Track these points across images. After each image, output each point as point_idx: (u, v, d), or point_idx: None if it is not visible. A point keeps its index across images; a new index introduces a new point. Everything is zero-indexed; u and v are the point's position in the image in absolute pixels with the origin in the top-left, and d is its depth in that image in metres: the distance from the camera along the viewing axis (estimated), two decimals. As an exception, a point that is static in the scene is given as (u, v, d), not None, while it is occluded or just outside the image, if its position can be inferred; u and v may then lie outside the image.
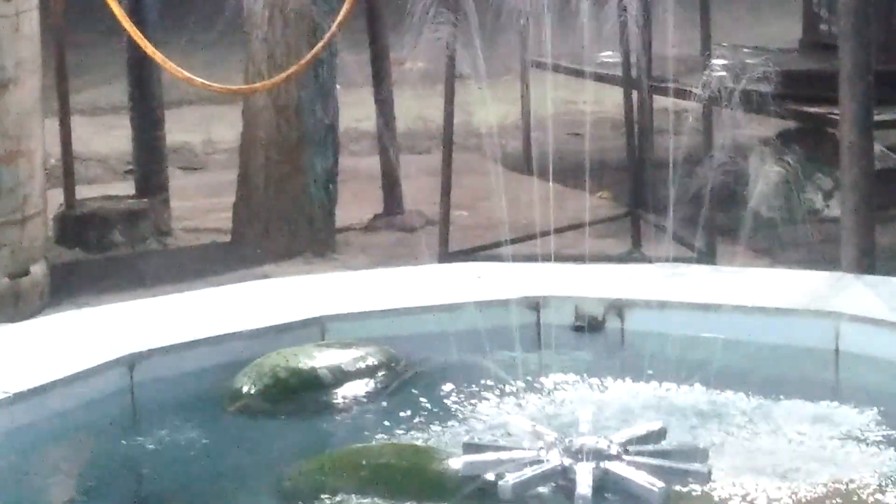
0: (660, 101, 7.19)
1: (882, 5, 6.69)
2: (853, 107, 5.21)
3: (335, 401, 4.01)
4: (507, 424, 3.73)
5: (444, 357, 4.11)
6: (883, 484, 3.53)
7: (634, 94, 6.96)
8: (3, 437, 3.71)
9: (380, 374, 4.09)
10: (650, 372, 4.06)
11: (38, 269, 6.11)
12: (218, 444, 3.93)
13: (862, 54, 5.21)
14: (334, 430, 3.89)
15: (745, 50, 8.07)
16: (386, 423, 3.88)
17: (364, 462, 3.58)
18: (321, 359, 4.10)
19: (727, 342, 4.22)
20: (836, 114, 5.40)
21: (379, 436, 3.80)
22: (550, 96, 7.61)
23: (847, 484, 3.51)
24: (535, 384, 4.02)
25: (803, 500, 3.43)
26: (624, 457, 3.50)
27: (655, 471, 3.46)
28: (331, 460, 3.64)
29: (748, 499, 3.44)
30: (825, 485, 3.50)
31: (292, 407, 4.00)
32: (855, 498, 3.45)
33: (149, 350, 4.08)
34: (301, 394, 4.02)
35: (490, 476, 3.46)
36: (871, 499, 3.45)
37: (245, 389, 4.00)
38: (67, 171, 6.97)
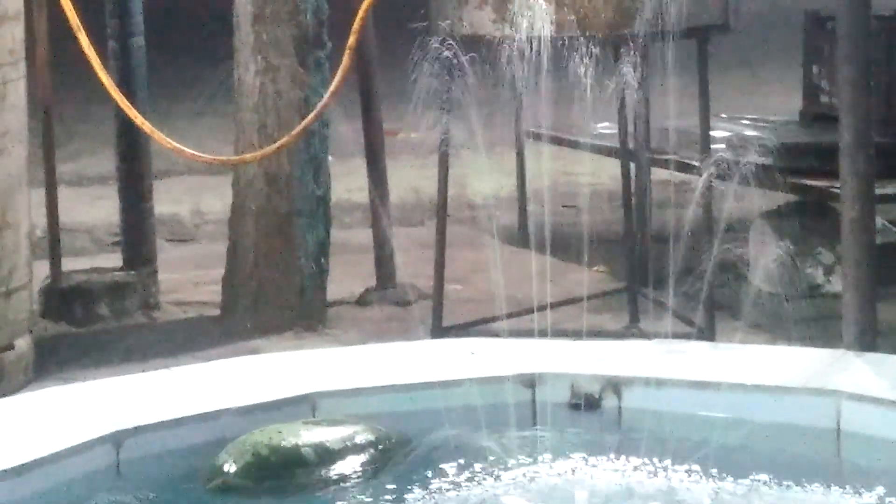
0: (658, 174, 7.21)
1: (882, 78, 6.70)
2: (854, 180, 5.22)
3: (318, 480, 4.01)
4: (501, 505, 3.74)
5: (436, 435, 4.10)
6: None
7: (632, 167, 6.97)
8: (-14, 517, 3.72)
9: (368, 453, 4.09)
10: (648, 452, 4.05)
11: (23, 343, 6.10)
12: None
13: (862, 127, 5.22)
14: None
15: (745, 121, 8.09)
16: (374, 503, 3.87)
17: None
18: (306, 437, 4.10)
19: (726, 421, 4.22)
20: (836, 187, 5.40)
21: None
22: (546, 168, 7.63)
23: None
24: (530, 464, 4.01)
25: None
26: (624, 540, 3.51)
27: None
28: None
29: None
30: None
31: (273, 485, 3.99)
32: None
33: (135, 427, 4.08)
34: (282, 472, 4.02)
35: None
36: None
37: (225, 468, 4.01)
38: (53, 243, 6.97)
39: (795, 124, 7.78)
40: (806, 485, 3.93)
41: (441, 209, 6.40)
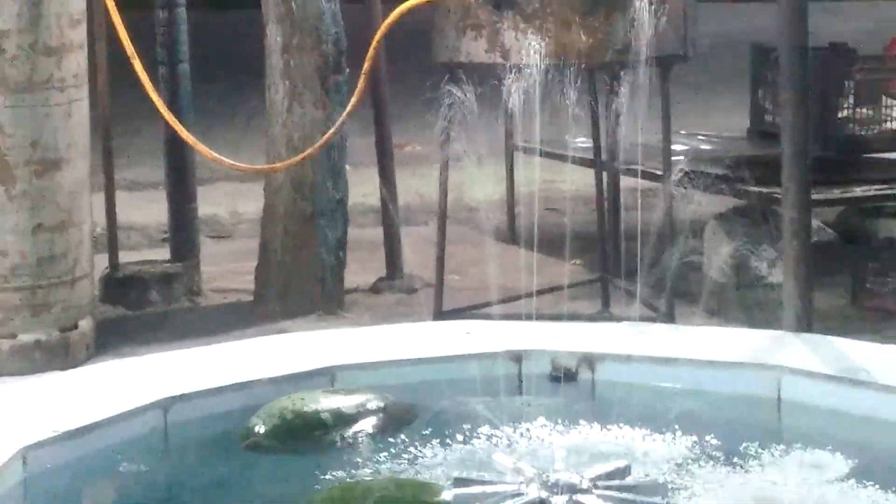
0: (627, 182, 7.21)
1: (817, 100, 6.71)
2: (793, 187, 5.22)
3: (335, 440, 4.00)
4: (492, 461, 3.72)
5: (437, 403, 4.11)
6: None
7: (605, 175, 6.97)
8: (55, 470, 3.71)
9: (378, 417, 4.08)
10: (617, 417, 4.06)
11: (86, 324, 6.11)
12: (231, 476, 3.93)
13: (800, 142, 5.23)
14: (332, 465, 3.83)
15: (701, 137, 8.10)
16: (384, 460, 3.86)
17: (368, 494, 3.57)
18: (325, 403, 4.09)
19: (684, 392, 4.22)
20: (778, 194, 5.41)
21: (376, 472, 3.79)
22: (532, 176, 7.63)
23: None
24: (517, 427, 4.02)
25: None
26: (594, 491, 3.50)
27: (621, 503, 3.46)
28: (339, 492, 3.63)
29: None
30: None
31: (296, 445, 3.99)
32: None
33: (181, 395, 4.09)
34: (305, 433, 4.01)
35: (478, 506, 3.46)
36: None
37: (257, 429, 4.00)
38: (111, 239, 6.98)
39: (743, 140, 7.79)
40: (752, 445, 3.93)
41: (442, 211, 6.41)
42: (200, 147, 6.31)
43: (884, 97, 7.23)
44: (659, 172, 6.72)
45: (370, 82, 6.52)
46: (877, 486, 3.66)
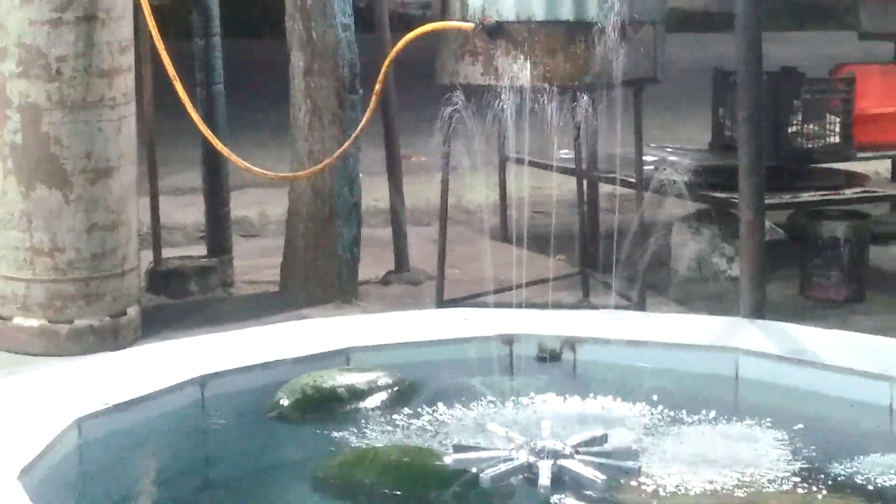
0: (604, 188, 7.23)
1: (770, 117, 6.71)
2: (749, 193, 5.22)
3: (349, 412, 4.00)
4: (486, 430, 3.74)
5: (439, 379, 4.12)
6: (769, 475, 3.54)
7: (585, 183, 6.98)
8: (106, 438, 3.72)
9: (387, 392, 4.09)
10: (595, 392, 4.07)
11: (133, 311, 6.12)
12: (259, 442, 3.94)
13: (755, 153, 5.23)
14: (346, 433, 3.84)
15: (669, 149, 8.10)
16: (392, 429, 3.88)
17: (378, 459, 3.58)
18: (341, 380, 4.10)
19: (653, 370, 4.23)
20: (736, 199, 5.42)
21: (385, 439, 3.80)
22: (522, 183, 7.64)
23: (741, 475, 3.53)
24: (509, 400, 4.02)
25: (707, 488, 3.44)
26: (575, 456, 3.51)
27: (599, 467, 3.47)
28: (353, 457, 3.64)
29: (666, 487, 3.44)
30: (723, 475, 3.52)
31: (316, 416, 3.99)
32: (745, 486, 3.46)
33: (216, 372, 4.10)
34: (322, 406, 4.02)
35: (474, 470, 3.46)
36: (757, 486, 3.46)
37: (281, 402, 4.01)
38: (155, 237, 6.99)
39: (706, 151, 7.79)
40: (712, 415, 3.95)
41: (443, 213, 6.40)
42: (233, 157, 6.32)
43: (828, 115, 7.23)
44: (632, 180, 6.73)
45: (380, 102, 6.52)
46: (805, 447, 3.69)
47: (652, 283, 6.22)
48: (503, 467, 3.46)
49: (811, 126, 7.19)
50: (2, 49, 5.82)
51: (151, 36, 6.15)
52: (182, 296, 6.83)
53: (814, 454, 3.67)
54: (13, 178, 5.87)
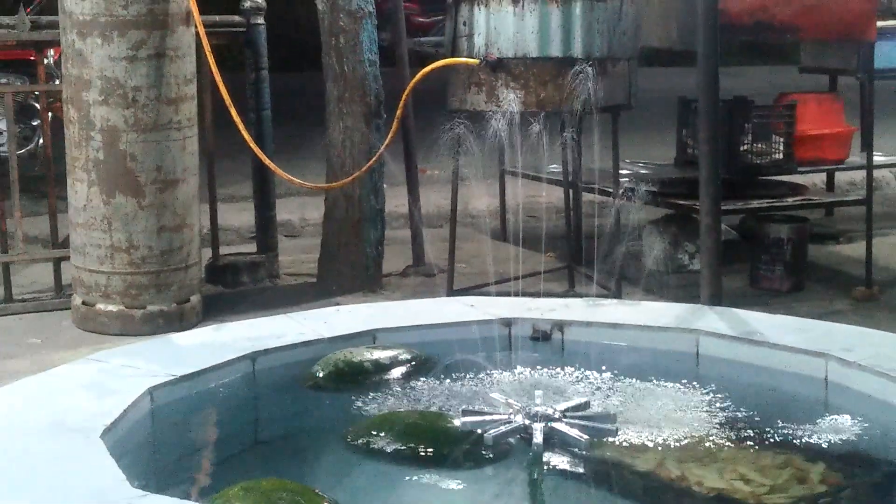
0: (587, 196, 7.23)
1: (725, 138, 6.71)
2: (707, 201, 5.23)
3: (374, 382, 3.98)
4: (489, 398, 3.74)
5: (449, 356, 4.11)
6: (724, 435, 3.53)
7: (570, 192, 6.98)
8: (172, 405, 3.72)
9: (407, 366, 4.08)
10: (580, 366, 4.06)
11: (195, 299, 6.14)
12: (299, 407, 3.94)
13: (713, 167, 5.24)
14: (372, 401, 3.83)
15: (640, 164, 8.10)
16: (411, 397, 3.87)
17: (399, 421, 3.58)
18: (368, 356, 4.09)
19: (628, 348, 4.22)
20: (697, 205, 5.42)
21: (405, 405, 3.80)
22: (518, 192, 7.65)
23: (702, 434, 3.52)
24: (508, 373, 4.02)
25: (672, 445, 3.43)
26: (563, 419, 3.51)
27: (583, 428, 3.46)
28: (378, 420, 3.64)
29: (638, 445, 3.44)
30: (686, 435, 3.51)
31: (347, 386, 3.98)
32: (704, 443, 3.46)
33: (264, 349, 4.09)
34: (352, 377, 4.01)
35: (479, 431, 3.46)
36: (714, 443, 3.45)
37: (317, 374, 4.01)
38: (213, 237, 7.01)
39: (672, 166, 7.79)
40: (677, 386, 3.94)
41: (452, 217, 6.42)
42: (278, 171, 6.33)
43: (773, 136, 7.22)
44: (610, 190, 6.73)
45: (401, 124, 6.54)
46: (755, 413, 3.69)
47: (626, 276, 6.22)
48: (503, 428, 3.46)
49: (759, 145, 7.19)
50: (87, 81, 5.83)
51: (211, 70, 6.17)
52: (236, 286, 6.85)
53: (762, 418, 3.66)
54: (96, 188, 5.89)
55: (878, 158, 7.88)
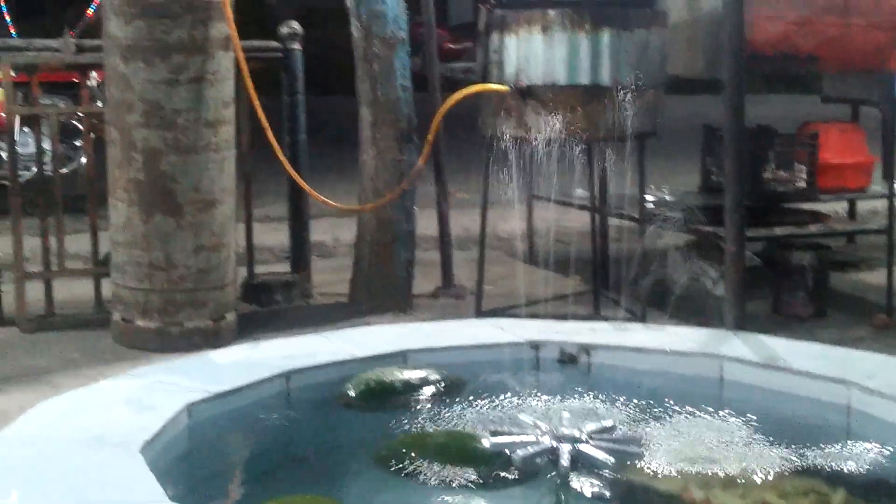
0: (613, 222, 7.21)
1: (748, 166, 6.69)
2: (732, 228, 5.22)
3: (404, 402, 4.00)
4: (517, 419, 3.73)
5: (478, 376, 4.11)
6: (747, 460, 3.52)
7: (597, 217, 6.97)
8: (209, 420, 3.75)
9: (436, 386, 4.10)
10: (605, 389, 4.05)
11: (230, 317, 6.14)
12: (331, 425, 3.95)
13: (737, 195, 5.23)
14: (402, 420, 3.84)
15: (665, 191, 8.08)
16: (440, 417, 3.88)
17: (429, 441, 3.58)
18: (398, 375, 4.10)
19: (653, 372, 4.22)
20: (721, 232, 5.40)
21: (434, 425, 3.80)
22: (546, 217, 7.64)
23: (724, 458, 3.51)
24: (536, 395, 4.02)
25: (696, 469, 3.42)
26: (590, 441, 3.51)
27: (609, 451, 3.46)
28: (408, 439, 3.64)
29: (663, 468, 3.43)
30: (710, 459, 3.50)
31: (377, 405, 4.00)
32: (727, 468, 3.44)
33: (298, 368, 4.11)
34: (382, 396, 4.03)
35: (507, 451, 3.46)
36: (737, 468, 3.44)
37: (349, 393, 4.02)
38: (249, 257, 7.02)
39: (696, 193, 7.77)
40: (702, 409, 3.92)
41: (482, 240, 6.42)
42: (313, 192, 6.35)
43: (796, 164, 7.20)
44: (636, 216, 6.72)
45: (432, 148, 6.55)
46: (778, 438, 3.67)
47: (652, 301, 6.20)
48: (531, 450, 3.46)
49: (782, 173, 7.16)
50: (129, 104, 5.87)
51: (249, 94, 6.20)
52: (270, 304, 6.86)
53: (785, 444, 3.65)
54: (136, 208, 5.92)
55: (899, 188, 7.82)
